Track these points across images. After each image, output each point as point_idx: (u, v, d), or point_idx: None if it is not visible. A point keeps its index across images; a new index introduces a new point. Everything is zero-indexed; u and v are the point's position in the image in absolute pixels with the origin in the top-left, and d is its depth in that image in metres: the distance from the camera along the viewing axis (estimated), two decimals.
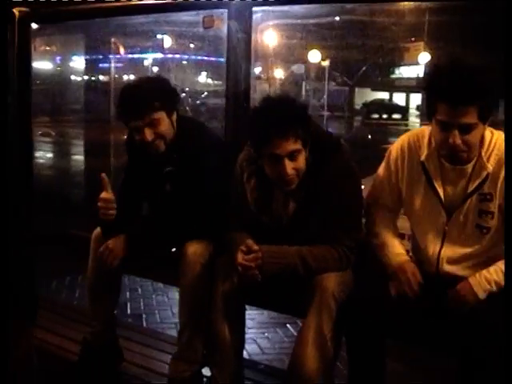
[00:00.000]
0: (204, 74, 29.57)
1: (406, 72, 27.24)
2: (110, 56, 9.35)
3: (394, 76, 28.33)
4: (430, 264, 2.46)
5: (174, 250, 2.82)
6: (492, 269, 2.27)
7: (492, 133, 2.33)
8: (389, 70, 27.83)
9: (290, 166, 2.40)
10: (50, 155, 9.78)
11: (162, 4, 3.31)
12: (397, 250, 2.48)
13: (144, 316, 4.96)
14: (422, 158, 2.41)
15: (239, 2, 3.04)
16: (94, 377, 2.88)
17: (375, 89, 28.35)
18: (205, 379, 2.81)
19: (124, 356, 3.07)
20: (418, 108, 26.18)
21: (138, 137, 2.75)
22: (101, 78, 10.22)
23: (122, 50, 9.51)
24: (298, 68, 22.78)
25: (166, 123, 2.75)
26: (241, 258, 2.43)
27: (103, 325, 2.92)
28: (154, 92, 2.73)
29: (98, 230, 2.94)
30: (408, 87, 26.35)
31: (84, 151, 8.94)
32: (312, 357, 2.39)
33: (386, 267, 2.45)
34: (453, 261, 2.41)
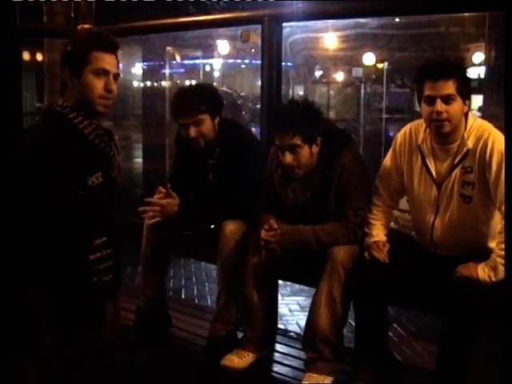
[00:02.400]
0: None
1: (467, 73, 26.96)
2: (168, 63, 9.95)
3: None
4: (426, 233, 2.90)
5: (212, 226, 3.32)
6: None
7: (475, 120, 2.79)
8: None
9: (290, 158, 2.91)
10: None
11: (203, 20, 3.83)
12: (375, 238, 2.93)
13: (196, 300, 5.53)
14: (419, 141, 2.86)
15: (271, 19, 3.51)
16: (146, 338, 3.39)
17: None
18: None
19: (172, 322, 3.59)
20: (479, 109, 25.80)
21: (184, 132, 3.27)
22: (162, 83, 10.84)
23: (177, 58, 10.10)
24: (356, 71, 22.92)
25: (208, 124, 3.26)
26: (263, 234, 2.96)
27: (154, 293, 3.44)
28: (202, 97, 3.26)
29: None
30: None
31: (142, 153, 9.53)
32: (324, 316, 2.88)
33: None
34: (444, 230, 2.83)
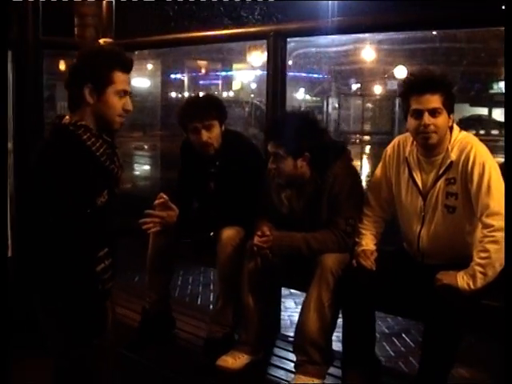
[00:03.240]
0: (302, 89, 30.24)
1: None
2: (199, 74, 10.19)
3: (492, 91, 27.76)
4: (413, 243, 2.99)
5: (212, 234, 3.47)
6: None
7: (459, 132, 2.88)
8: (488, 84, 27.28)
9: (272, 164, 3.12)
10: (144, 167, 10.66)
11: (213, 35, 4.02)
12: (364, 247, 3.04)
13: (211, 306, 5.64)
14: (406, 153, 2.97)
15: (276, 34, 3.66)
16: (151, 339, 3.55)
17: (474, 104, 27.89)
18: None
19: (176, 324, 3.74)
20: None
21: (194, 137, 3.41)
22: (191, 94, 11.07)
23: (203, 70, 10.34)
24: (391, 84, 22.94)
25: (217, 130, 3.42)
26: (256, 240, 3.11)
27: (158, 295, 3.60)
28: (212, 103, 3.46)
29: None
30: None
31: (161, 162, 9.75)
32: (313, 320, 3.00)
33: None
34: (429, 240, 2.92)
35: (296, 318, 4.70)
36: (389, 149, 3.10)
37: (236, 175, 3.40)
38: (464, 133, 2.89)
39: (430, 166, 2.90)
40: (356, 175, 3.21)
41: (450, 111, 2.83)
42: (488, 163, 2.76)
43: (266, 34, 3.71)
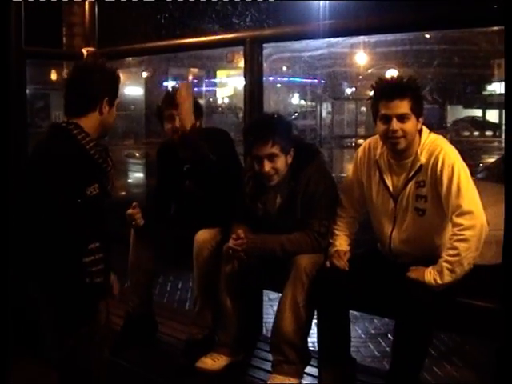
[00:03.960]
0: (297, 95, 30.32)
1: (498, 88, 26.73)
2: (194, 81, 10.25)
3: (486, 92, 27.83)
4: (385, 244, 3.05)
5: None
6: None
7: (429, 134, 2.92)
8: (481, 86, 27.35)
9: (268, 166, 3.10)
10: (136, 174, 10.72)
11: (191, 43, 4.08)
12: (338, 247, 3.09)
13: None
14: (377, 156, 3.01)
15: (252, 40, 3.72)
16: (134, 341, 3.60)
17: (467, 106, 27.98)
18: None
19: (159, 327, 3.79)
20: None
21: (168, 125, 3.52)
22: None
23: (192, 77, 10.42)
24: None
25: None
26: (231, 243, 3.17)
27: (140, 299, 3.65)
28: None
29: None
30: (501, 104, 25.58)
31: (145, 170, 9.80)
32: (288, 320, 3.06)
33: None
34: (400, 241, 2.98)
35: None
36: (360, 151, 3.15)
37: (208, 173, 3.42)
38: (433, 135, 2.93)
39: (400, 168, 2.94)
40: (329, 177, 3.26)
41: (419, 115, 2.88)
42: (457, 165, 2.80)
43: (242, 40, 3.78)
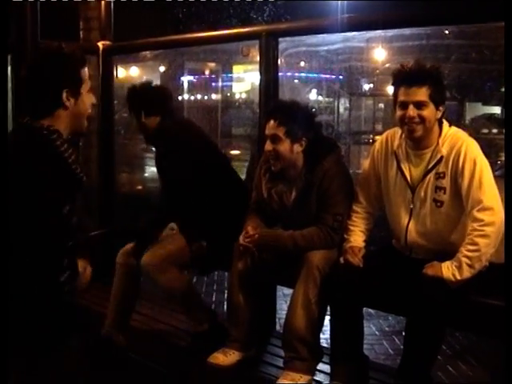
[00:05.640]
0: (314, 91, 30.16)
1: None
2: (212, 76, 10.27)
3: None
4: (401, 237, 3.00)
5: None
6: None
7: (450, 126, 2.88)
8: (500, 83, 27.03)
9: (269, 146, 3.13)
10: (152, 168, 10.72)
11: (207, 36, 4.07)
12: (352, 243, 3.05)
13: (213, 306, 5.67)
14: (395, 147, 2.98)
15: (268, 34, 3.70)
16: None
17: (486, 103, 27.70)
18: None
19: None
20: None
21: None
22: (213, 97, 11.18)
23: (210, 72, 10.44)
24: None
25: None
26: (241, 240, 3.16)
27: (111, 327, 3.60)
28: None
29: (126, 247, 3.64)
30: None
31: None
32: (300, 316, 3.03)
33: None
34: (417, 233, 2.93)
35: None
36: (377, 144, 3.12)
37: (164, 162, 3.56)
38: (454, 128, 2.89)
39: (419, 159, 2.90)
40: (346, 172, 3.23)
41: (439, 104, 2.84)
42: (479, 159, 2.77)
43: (258, 34, 3.76)
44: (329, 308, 3.07)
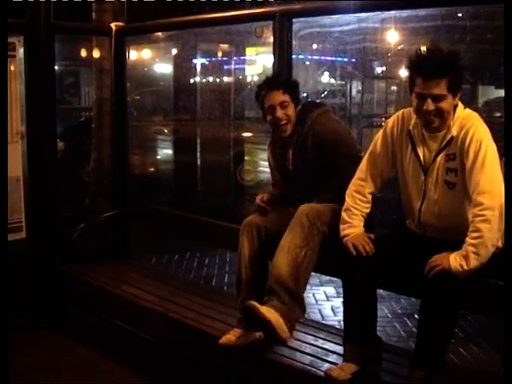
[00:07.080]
0: (326, 73, 29.99)
1: None
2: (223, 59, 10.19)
3: None
4: (413, 217, 2.99)
5: None
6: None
7: (464, 109, 2.84)
8: None
9: (280, 112, 3.32)
10: (165, 151, 10.73)
11: (220, 17, 4.05)
12: (356, 229, 3.03)
13: (225, 288, 5.72)
14: (410, 127, 2.94)
15: (281, 15, 3.67)
16: None
17: (499, 86, 27.44)
18: None
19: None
20: None
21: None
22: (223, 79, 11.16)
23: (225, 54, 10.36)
24: None
25: None
26: (258, 200, 3.49)
27: None
28: None
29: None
30: None
31: (173, 147, 9.84)
32: (283, 261, 3.08)
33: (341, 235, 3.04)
34: (430, 214, 2.92)
35: (337, 304, 4.77)
36: (390, 121, 3.06)
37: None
38: (468, 110, 2.86)
39: (433, 140, 2.87)
40: (336, 120, 3.47)
41: (457, 91, 2.79)
42: (485, 142, 2.72)
43: (272, 14, 3.73)
44: (342, 289, 3.06)
